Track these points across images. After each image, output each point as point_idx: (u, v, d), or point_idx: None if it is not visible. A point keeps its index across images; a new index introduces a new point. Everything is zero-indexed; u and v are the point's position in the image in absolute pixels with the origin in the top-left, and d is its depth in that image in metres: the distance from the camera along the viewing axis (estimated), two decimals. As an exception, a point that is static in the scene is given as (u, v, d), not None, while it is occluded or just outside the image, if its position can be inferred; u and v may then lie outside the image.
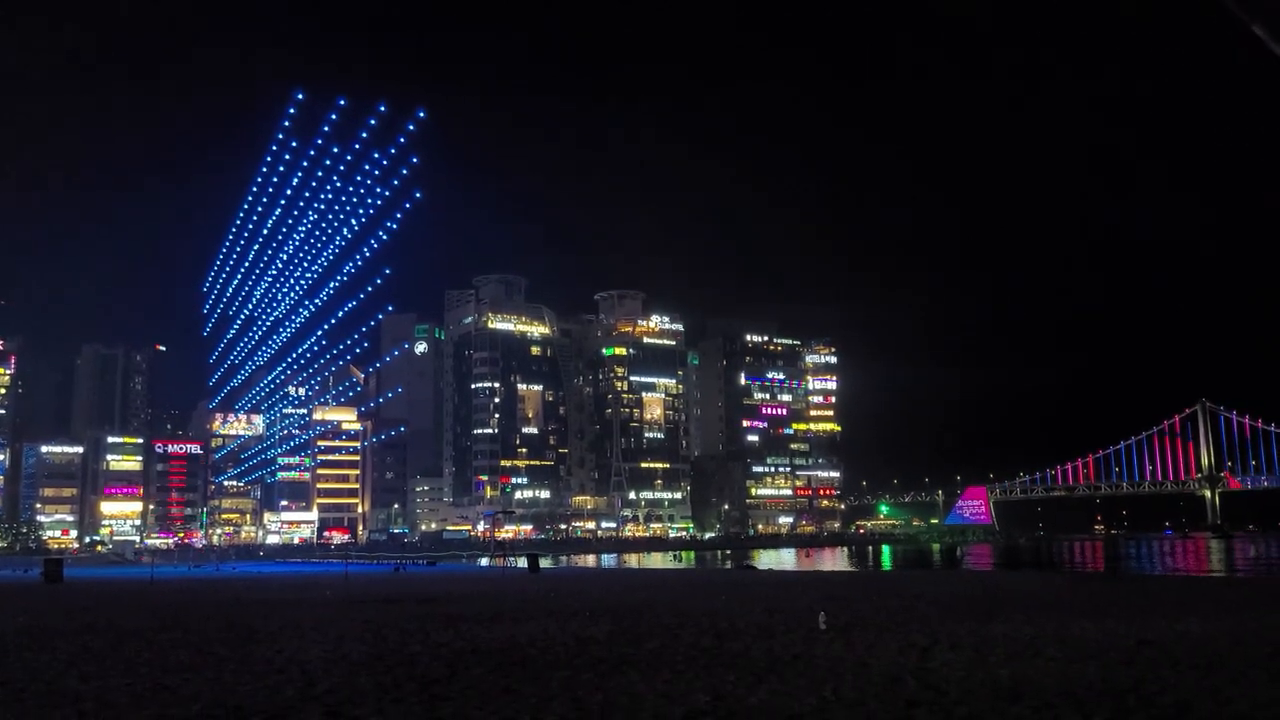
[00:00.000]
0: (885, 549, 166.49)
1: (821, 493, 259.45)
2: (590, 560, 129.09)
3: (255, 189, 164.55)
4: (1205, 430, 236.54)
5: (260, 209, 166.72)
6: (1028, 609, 23.53)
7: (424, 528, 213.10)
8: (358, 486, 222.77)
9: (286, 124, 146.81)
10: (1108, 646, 15.57)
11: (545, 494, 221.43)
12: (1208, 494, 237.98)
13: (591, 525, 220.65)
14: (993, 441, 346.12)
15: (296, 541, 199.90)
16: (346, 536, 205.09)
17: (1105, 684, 11.92)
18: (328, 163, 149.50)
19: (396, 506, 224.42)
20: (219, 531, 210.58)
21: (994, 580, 45.44)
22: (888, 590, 33.23)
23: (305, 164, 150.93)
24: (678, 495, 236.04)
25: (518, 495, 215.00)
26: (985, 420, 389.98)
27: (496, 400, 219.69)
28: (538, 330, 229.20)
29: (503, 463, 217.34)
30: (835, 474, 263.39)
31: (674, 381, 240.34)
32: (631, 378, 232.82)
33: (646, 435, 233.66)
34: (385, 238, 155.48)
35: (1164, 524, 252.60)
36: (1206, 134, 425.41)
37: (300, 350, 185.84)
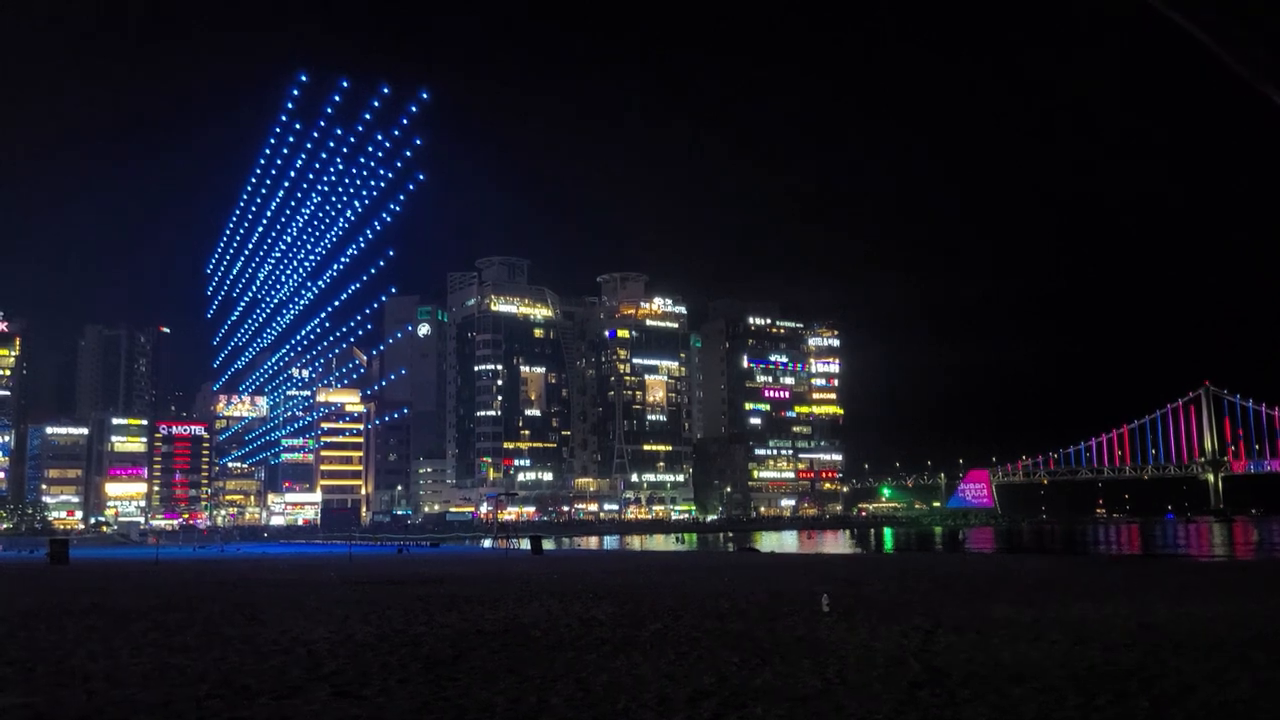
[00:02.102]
0: (887, 532, 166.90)
1: (824, 475, 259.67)
2: (593, 542, 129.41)
3: (259, 170, 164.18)
4: (1209, 414, 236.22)
5: (264, 191, 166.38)
6: (1029, 592, 23.61)
7: (427, 509, 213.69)
8: (361, 468, 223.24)
9: (290, 105, 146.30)
10: (1109, 629, 15.63)
11: (548, 476, 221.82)
12: (1210, 478, 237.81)
13: (594, 507, 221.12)
14: (995, 425, 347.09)
15: (300, 523, 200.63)
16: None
17: (1107, 666, 11.98)
18: (331, 144, 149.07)
19: (400, 488, 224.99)
20: (223, 513, 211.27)
21: (996, 563, 45.56)
22: (890, 573, 33.33)
23: (309, 145, 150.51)
24: (680, 478, 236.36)
25: (520, 477, 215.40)
26: (988, 404, 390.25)
27: (499, 382, 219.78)
28: (540, 312, 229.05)
29: (505, 445, 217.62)
30: (837, 457, 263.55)
31: (676, 364, 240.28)
32: (634, 360, 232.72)
33: (649, 418, 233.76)
34: (388, 220, 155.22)
35: (1166, 507, 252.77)
36: (1210, 119, 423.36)
37: (304, 332, 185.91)
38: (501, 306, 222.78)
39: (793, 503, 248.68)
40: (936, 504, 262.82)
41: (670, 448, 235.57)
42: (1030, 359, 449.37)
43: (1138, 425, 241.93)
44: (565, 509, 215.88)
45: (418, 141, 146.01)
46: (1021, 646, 13.69)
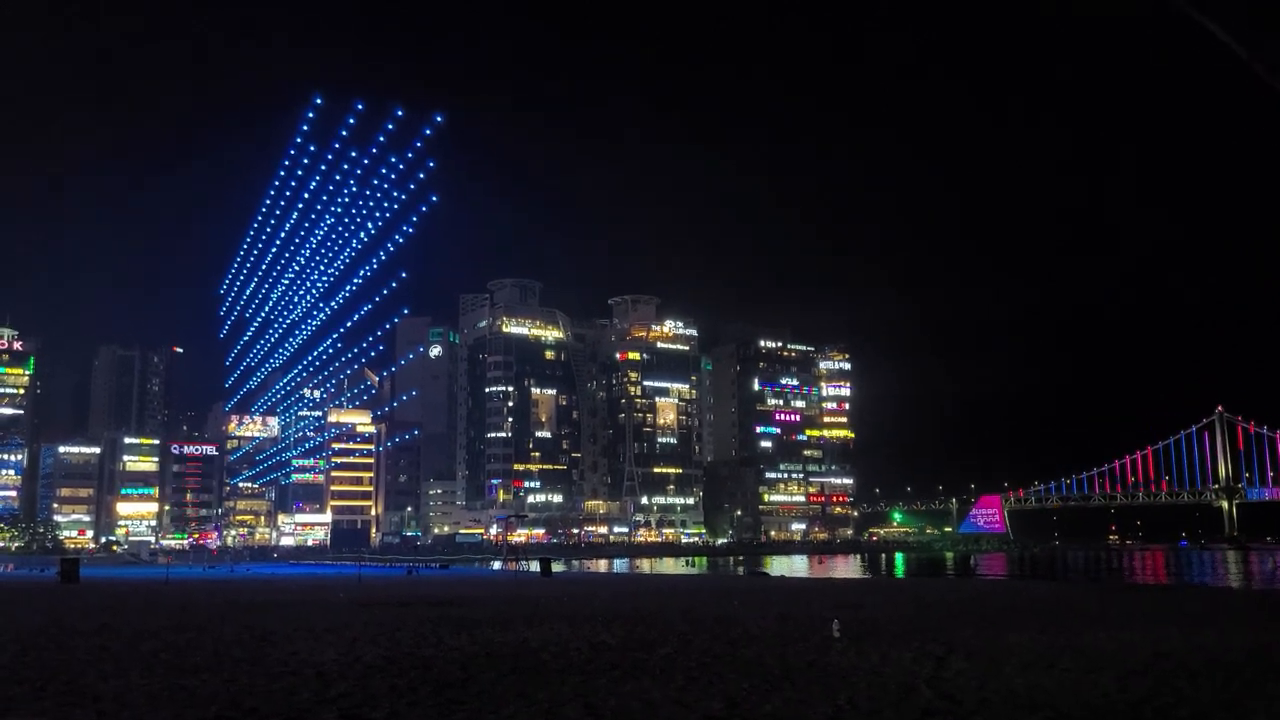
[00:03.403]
0: (898, 557, 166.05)
1: (834, 499, 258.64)
2: (602, 565, 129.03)
3: (273, 192, 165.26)
4: (1222, 440, 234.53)
5: (278, 212, 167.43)
6: (1042, 618, 23.44)
7: (437, 531, 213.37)
8: (371, 489, 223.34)
9: (305, 127, 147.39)
10: (1123, 657, 15.51)
11: (558, 498, 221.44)
12: (1225, 505, 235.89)
13: (604, 530, 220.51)
14: (1008, 450, 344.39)
15: (310, 543, 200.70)
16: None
17: (1121, 695, 11.88)
18: (345, 166, 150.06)
19: (410, 509, 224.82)
20: (233, 533, 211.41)
21: (1008, 589, 45.27)
22: (901, 598, 33.15)
23: (323, 167, 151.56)
24: (690, 501, 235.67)
25: (530, 499, 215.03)
26: (1000, 429, 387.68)
27: (510, 404, 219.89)
28: (552, 334, 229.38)
29: (516, 466, 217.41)
30: (848, 481, 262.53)
31: (687, 386, 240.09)
32: (645, 382, 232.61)
33: (659, 440, 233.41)
34: (401, 241, 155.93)
35: (1180, 535, 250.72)
36: (1226, 140, 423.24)
37: (316, 353, 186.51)
38: (513, 328, 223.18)
39: (803, 527, 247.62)
40: (948, 529, 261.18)
41: (680, 470, 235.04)
42: (1043, 384, 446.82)
43: (1151, 451, 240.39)
44: (575, 531, 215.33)
45: (431, 164, 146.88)
46: (1034, 674, 13.59)
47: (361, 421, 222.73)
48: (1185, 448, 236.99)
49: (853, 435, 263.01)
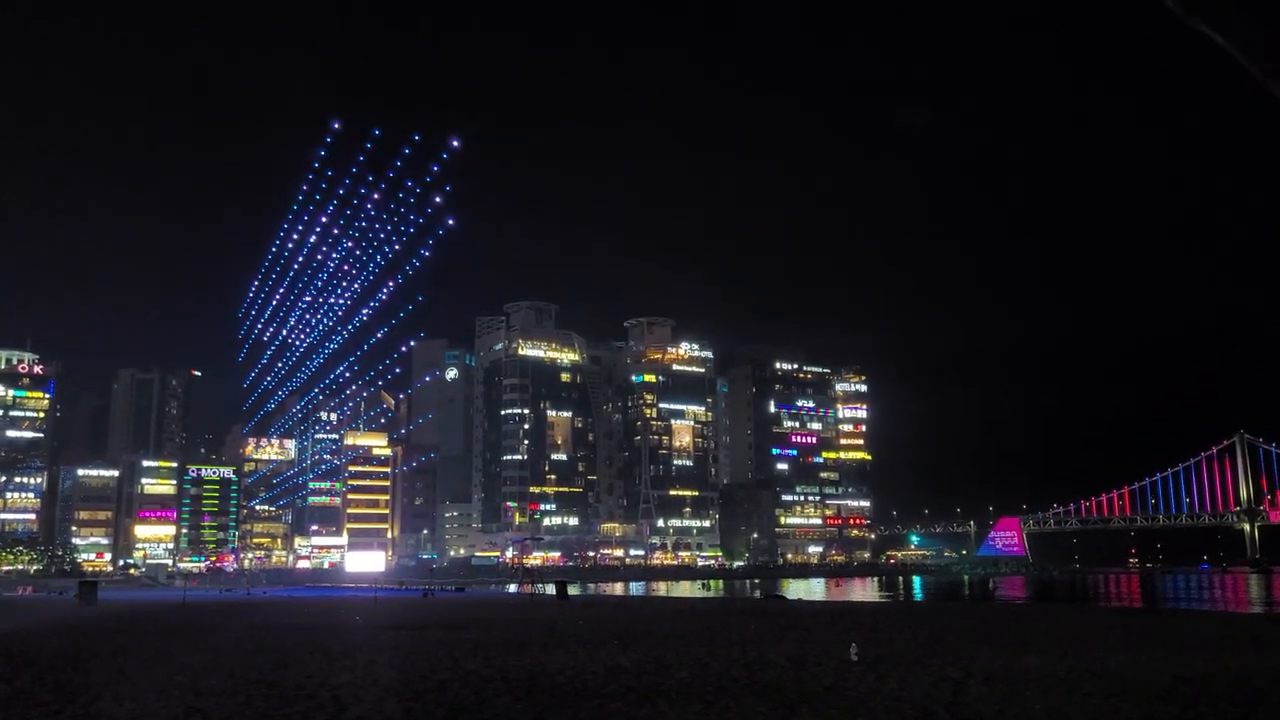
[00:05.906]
0: (916, 580, 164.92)
1: (851, 522, 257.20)
2: (618, 588, 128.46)
3: (291, 216, 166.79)
4: (1243, 462, 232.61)
5: (296, 236, 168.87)
6: (1062, 642, 23.20)
7: (453, 553, 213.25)
8: (388, 512, 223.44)
9: (323, 153, 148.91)
10: (1144, 682, 15.33)
11: (573, 521, 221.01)
12: (1246, 527, 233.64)
13: (620, 553, 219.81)
14: (1026, 472, 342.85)
15: (327, 566, 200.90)
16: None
17: (1143, 721, 11.74)
18: (362, 191, 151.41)
19: (426, 532, 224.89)
20: (250, 556, 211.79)
21: (1027, 612, 44.87)
22: (919, 622, 32.89)
23: (340, 192, 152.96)
24: (706, 523, 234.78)
25: (546, 522, 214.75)
26: (1019, 451, 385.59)
27: (526, 427, 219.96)
28: (567, 357, 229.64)
29: (531, 489, 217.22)
30: (865, 503, 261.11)
31: (703, 409, 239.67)
32: (661, 405, 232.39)
33: (675, 463, 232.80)
34: (417, 265, 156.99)
35: (1201, 557, 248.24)
36: (1244, 162, 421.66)
37: (333, 376, 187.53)
38: (529, 351, 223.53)
39: (820, 549, 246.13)
40: (965, 552, 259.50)
41: (696, 493, 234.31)
42: (1062, 406, 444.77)
43: (1171, 473, 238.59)
44: (591, 554, 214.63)
45: (447, 188, 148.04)
46: (1055, 699, 13.44)
47: (378, 444, 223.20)
48: (1206, 470, 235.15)
49: (869, 458, 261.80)
